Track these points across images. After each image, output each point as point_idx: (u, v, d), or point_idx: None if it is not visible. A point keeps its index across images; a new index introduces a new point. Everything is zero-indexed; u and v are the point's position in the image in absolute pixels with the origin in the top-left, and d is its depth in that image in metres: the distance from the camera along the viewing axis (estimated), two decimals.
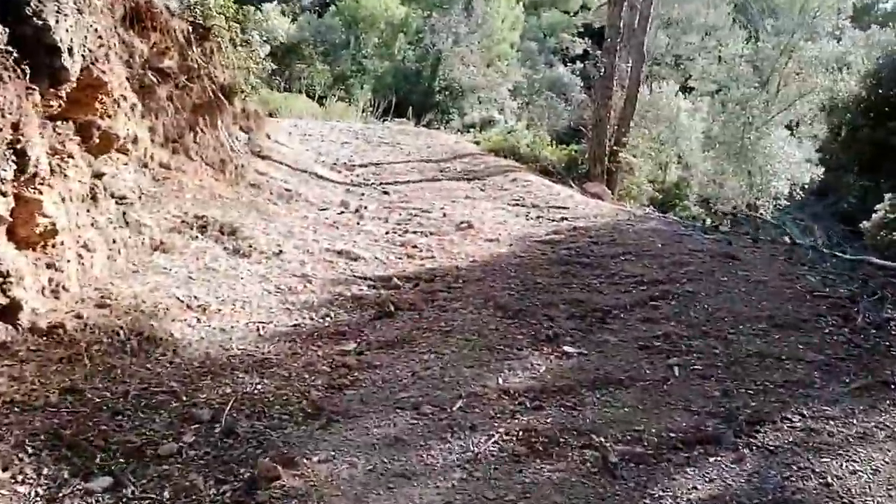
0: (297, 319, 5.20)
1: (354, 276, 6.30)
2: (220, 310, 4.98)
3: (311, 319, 5.25)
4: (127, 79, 6.21)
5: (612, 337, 5.10)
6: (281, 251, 6.38)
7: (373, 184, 10.99)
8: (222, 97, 7.31)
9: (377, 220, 8.52)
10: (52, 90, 4.13)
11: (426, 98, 29.71)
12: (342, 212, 8.59)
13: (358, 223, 8.18)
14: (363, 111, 25.19)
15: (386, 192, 10.39)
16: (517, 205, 10.18)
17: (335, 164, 12.25)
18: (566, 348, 4.85)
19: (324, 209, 8.52)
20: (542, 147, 15.29)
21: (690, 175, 22.21)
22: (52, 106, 4.32)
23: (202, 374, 4.21)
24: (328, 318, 5.31)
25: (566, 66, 40.33)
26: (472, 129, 26.02)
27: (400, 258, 7.03)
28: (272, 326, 5.01)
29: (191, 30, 7.12)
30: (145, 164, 6.15)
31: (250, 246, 6.15)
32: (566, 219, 9.27)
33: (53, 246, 4.34)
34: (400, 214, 8.96)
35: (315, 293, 5.73)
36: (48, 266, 4.30)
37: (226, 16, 7.61)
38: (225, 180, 7.24)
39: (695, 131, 21.67)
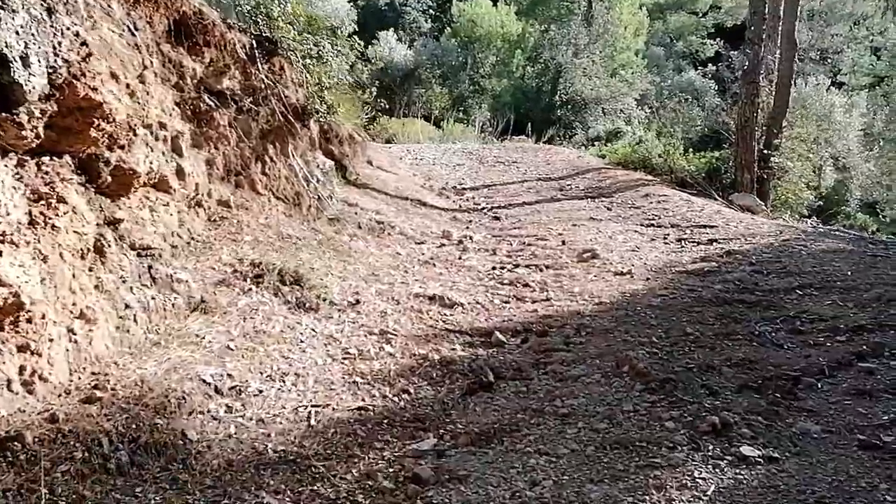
0: (363, 399, 3.85)
1: (447, 329, 4.90)
2: (261, 391, 3.71)
3: (383, 398, 3.89)
4: (177, 103, 5.18)
5: (812, 425, 3.39)
6: (358, 301, 5.09)
7: (483, 208, 9.61)
8: (294, 120, 6.17)
9: (483, 253, 7.11)
10: (4, 114, 3.02)
11: (547, 114, 28.17)
12: (442, 244, 7.25)
13: (460, 258, 6.80)
14: (481, 131, 24.07)
15: (497, 218, 8.98)
16: (652, 225, 8.48)
17: (444, 188, 10.99)
18: (744, 449, 3.19)
19: (421, 242, 7.21)
20: (677, 156, 13.40)
21: (848, 178, 19.39)
22: (21, 136, 3.23)
23: (216, 496, 2.94)
24: (405, 396, 3.93)
25: (697, 70, 37.71)
26: (596, 143, 24.29)
27: (507, 301, 5.57)
28: (329, 411, 3.68)
29: (254, 44, 6.04)
30: (198, 203, 5.06)
31: (319, 297, 4.89)
32: (715, 241, 7.48)
33: (28, 321, 3.22)
34: (511, 244, 7.50)
35: (394, 357, 4.38)
36: (19, 349, 3.18)
37: (293, 25, 6.51)
38: (300, 216, 6.08)
39: (853, 129, 18.88)
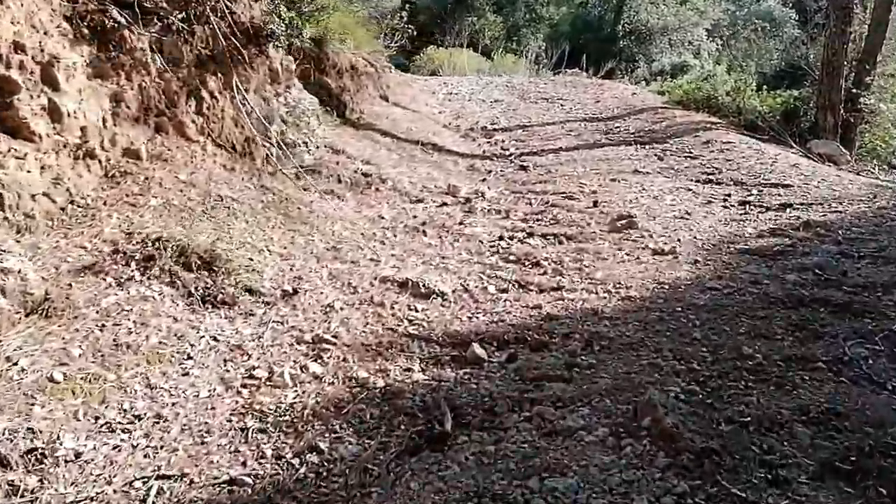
0: (244, 462, 2.56)
1: (411, 334, 3.56)
2: (79, 454, 2.45)
3: (276, 461, 2.59)
4: (68, 18, 3.86)
5: None
6: (297, 290, 3.78)
7: (511, 155, 8.10)
8: (246, 45, 4.77)
9: (493, 216, 5.68)
10: None
11: (608, 45, 25.89)
12: (444, 204, 5.84)
13: (461, 223, 5.39)
14: (534, 63, 22.17)
15: (523, 167, 7.47)
16: (710, 182, 6.86)
17: (471, 129, 9.47)
18: None
19: (418, 201, 5.82)
20: (749, 95, 11.49)
21: None
22: None
23: None
24: (311, 458, 2.61)
25: None
26: (659, 78, 22.11)
27: (504, 290, 4.17)
28: (181, 487, 2.42)
29: None
30: (89, 154, 3.78)
31: (239, 285, 3.60)
32: (790, 205, 5.86)
33: None
34: (531, 204, 6.04)
35: (319, 383, 3.08)
36: None
37: None
38: (248, 169, 4.75)
39: None
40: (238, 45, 4.69)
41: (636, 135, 9.29)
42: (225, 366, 3.10)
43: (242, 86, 4.76)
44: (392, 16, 12.73)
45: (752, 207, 5.90)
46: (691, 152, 8.15)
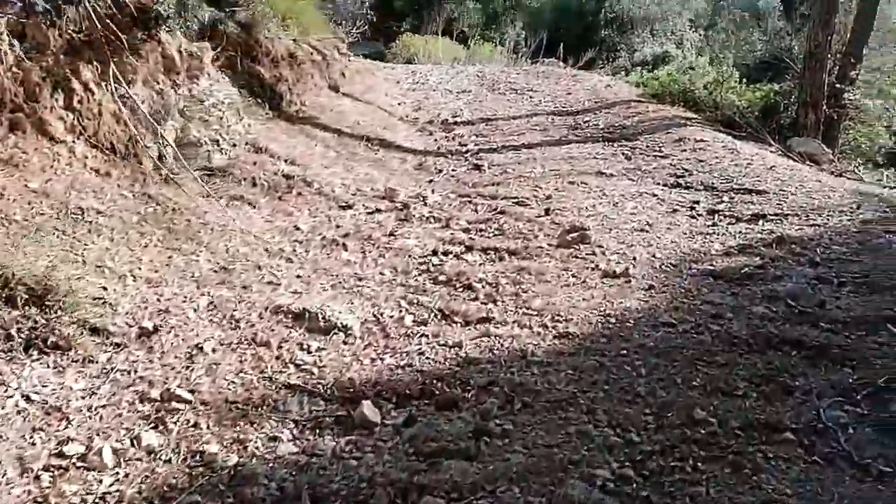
0: None
1: (290, 385, 2.87)
2: None
3: None
4: None
5: None
6: (157, 328, 3.08)
7: (468, 151, 7.38)
8: (131, 29, 4.04)
9: (431, 225, 4.97)
10: None
11: (589, 34, 25.17)
12: (377, 210, 5.13)
13: (391, 234, 4.69)
14: (513, 52, 21.46)
15: (478, 166, 6.76)
16: (679, 186, 6.17)
17: (430, 122, 8.75)
18: None
19: (346, 206, 5.10)
20: (727, 89, 10.82)
21: None
22: None
23: None
24: None
25: None
26: (640, 68, 21.45)
27: (422, 323, 3.49)
28: None
29: None
30: None
31: (81, 324, 2.90)
32: (763, 216, 5.18)
33: None
34: (477, 211, 5.34)
35: (149, 463, 2.39)
36: None
37: None
38: (128, 173, 4.02)
39: None
40: (119, 29, 3.95)
41: (605, 131, 8.59)
42: (31, 437, 2.40)
43: (127, 76, 4.02)
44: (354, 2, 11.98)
45: (721, 217, 5.23)
46: (661, 151, 7.47)
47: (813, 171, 7.16)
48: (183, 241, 3.74)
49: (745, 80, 12.09)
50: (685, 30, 27.25)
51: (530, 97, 10.86)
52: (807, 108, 9.49)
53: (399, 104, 9.53)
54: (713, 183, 6.18)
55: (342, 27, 13.15)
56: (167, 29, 4.32)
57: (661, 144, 7.75)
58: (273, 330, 3.20)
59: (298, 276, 3.81)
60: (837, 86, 9.54)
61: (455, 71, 13.97)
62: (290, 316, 3.33)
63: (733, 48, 17.54)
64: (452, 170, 6.58)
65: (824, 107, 9.50)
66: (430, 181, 6.15)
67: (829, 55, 9.50)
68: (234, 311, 3.33)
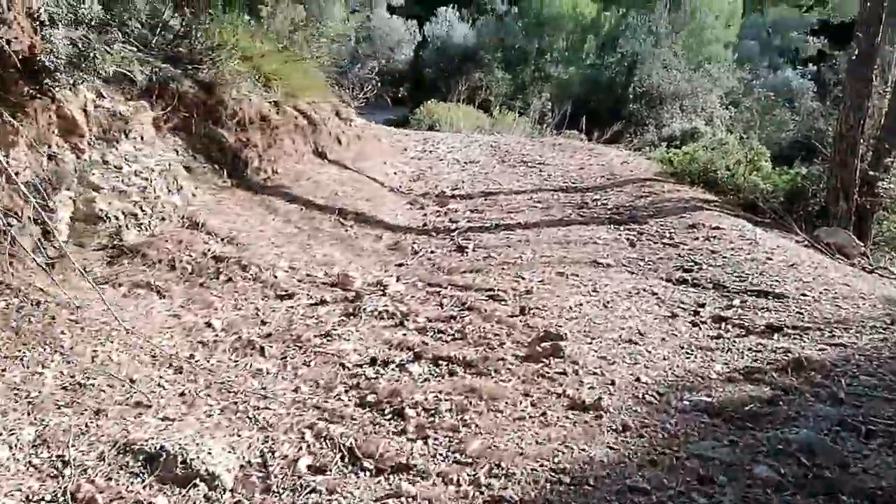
0: None
1: None
2: None
3: None
4: None
5: None
6: None
7: (456, 230, 6.65)
8: (15, 81, 3.39)
9: (382, 322, 4.19)
10: None
11: (618, 107, 24.69)
12: (321, 301, 4.36)
13: (327, 334, 3.92)
14: (537, 122, 21.02)
15: (462, 248, 6.01)
16: (684, 282, 5.32)
17: (426, 194, 8.07)
18: None
19: (286, 296, 4.36)
20: (752, 168, 10.01)
21: None
22: None
23: None
24: None
25: (795, 69, 33.42)
26: (666, 143, 20.80)
27: (320, 470, 2.66)
28: None
29: None
30: None
31: None
32: (779, 328, 4.30)
33: None
34: (442, 305, 4.55)
35: None
36: None
37: None
38: None
39: None
40: (1, 83, 3.32)
41: (613, 211, 7.82)
42: None
43: (5, 139, 3.36)
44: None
45: (728, 328, 4.36)
46: (672, 238, 6.65)
47: (841, 269, 6.24)
48: (32, 347, 2.99)
49: (775, 161, 11.30)
50: (715, 107, 26.67)
51: (540, 171, 10.18)
52: (837, 196, 8.62)
53: (397, 173, 8.90)
54: (724, 280, 5.32)
55: (350, 91, 12.73)
56: (65, 84, 3.67)
57: (671, 230, 6.94)
58: (110, 479, 2.41)
59: (181, 395, 3.04)
60: (871, 173, 8.67)
61: (469, 140, 13.41)
62: (142, 458, 2.54)
63: (761, 128, 16.79)
64: (431, 251, 5.83)
65: (856, 195, 8.62)
66: (401, 265, 5.40)
67: (862, 140, 8.66)
68: (69, 447, 2.54)
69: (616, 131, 21.39)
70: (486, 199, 8.19)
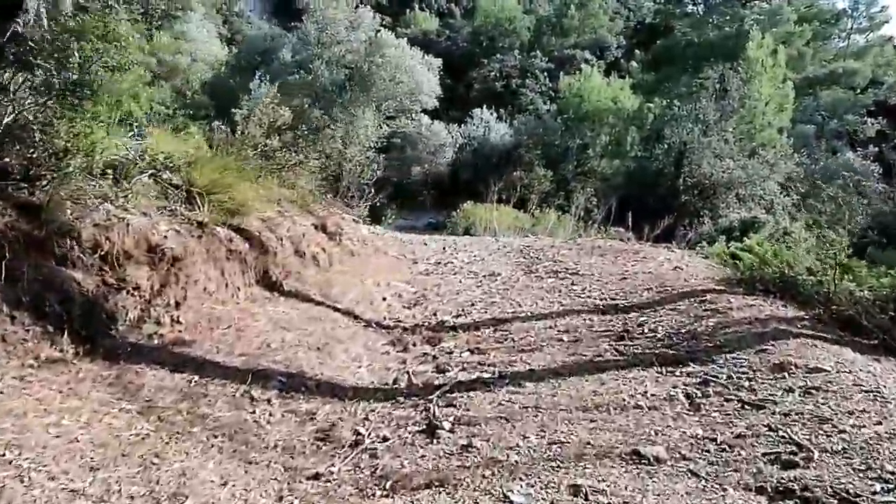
0: None
1: None
2: None
3: None
4: None
5: None
6: None
7: (438, 388, 4.57)
8: None
9: None
10: None
11: (668, 200, 22.61)
12: None
13: None
14: (582, 219, 19.04)
15: (432, 428, 3.88)
16: (784, 491, 3.10)
17: (418, 327, 6.07)
18: None
19: None
20: (843, 271, 7.70)
21: None
22: None
23: None
24: None
25: (855, 151, 30.94)
26: (725, 236, 18.46)
27: None
28: None
29: None
30: None
31: None
32: None
33: None
34: None
35: None
36: None
37: None
38: None
39: None
40: None
41: (663, 343, 5.62)
42: None
43: None
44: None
45: None
46: (752, 391, 4.41)
47: None
48: None
49: (856, 252, 8.94)
50: (775, 194, 24.31)
51: (573, 284, 8.08)
52: None
53: (389, 297, 6.95)
54: (855, 488, 3.06)
55: (357, 199, 11.10)
56: None
57: (750, 375, 4.71)
58: None
59: None
60: None
61: (498, 245, 11.47)
62: None
63: (837, 216, 14.34)
64: (383, 438, 3.74)
65: None
66: (316, 476, 3.31)
67: None
68: None
69: (667, 226, 19.09)
70: (496, 331, 6.12)
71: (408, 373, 4.82)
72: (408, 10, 59.90)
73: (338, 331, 5.19)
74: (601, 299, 7.38)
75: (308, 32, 20.31)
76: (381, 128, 18.75)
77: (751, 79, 26.03)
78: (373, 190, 11.33)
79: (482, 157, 24.95)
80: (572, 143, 24.53)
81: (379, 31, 20.04)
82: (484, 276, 8.62)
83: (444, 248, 10.84)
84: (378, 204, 20.84)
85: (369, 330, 5.62)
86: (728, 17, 35.02)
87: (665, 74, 32.27)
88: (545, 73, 34.70)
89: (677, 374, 4.89)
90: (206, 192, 5.33)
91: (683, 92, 27.88)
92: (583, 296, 7.55)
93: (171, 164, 5.27)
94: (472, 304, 7.06)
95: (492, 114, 26.29)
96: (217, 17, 38.39)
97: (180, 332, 4.12)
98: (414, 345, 5.53)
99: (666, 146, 23.76)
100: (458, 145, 28.18)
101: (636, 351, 5.47)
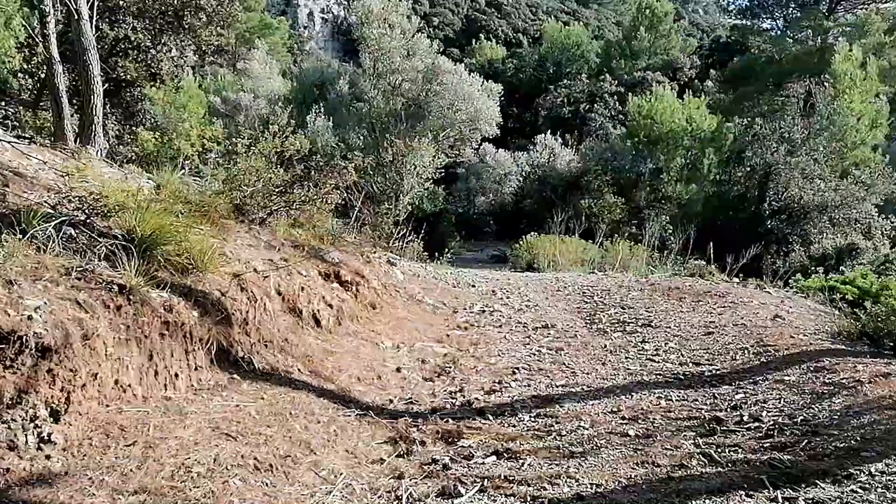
0: None
1: None
2: None
3: None
4: None
5: None
6: None
7: None
8: None
9: None
10: None
11: (752, 226, 20.32)
12: None
13: None
14: (655, 250, 17.09)
15: None
16: None
17: (432, 413, 4.51)
18: None
19: None
20: None
21: None
22: None
23: None
24: None
25: None
26: (822, 266, 16.14)
27: None
28: None
29: None
30: None
31: None
32: None
33: None
34: None
35: None
36: None
37: None
38: None
39: None
40: None
41: (772, 443, 3.87)
42: None
43: None
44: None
45: None
46: None
47: None
48: None
49: None
50: (872, 217, 21.61)
51: (643, 340, 6.38)
52: None
53: (414, 362, 5.47)
54: None
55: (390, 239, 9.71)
56: None
57: None
58: None
59: None
60: None
61: (557, 285, 9.84)
62: None
63: None
64: None
65: None
66: None
67: None
68: None
69: (753, 255, 16.87)
70: (538, 416, 4.50)
71: (399, 500, 3.27)
72: (473, 41, 59.33)
73: (312, 430, 3.72)
74: (681, 364, 5.65)
75: (364, 62, 19.34)
76: (438, 158, 17.40)
77: (839, 94, 23.52)
78: (423, 224, 9.90)
79: (547, 185, 23.29)
80: (644, 167, 22.57)
81: (436, 58, 18.84)
82: (535, 329, 7.01)
83: (493, 291, 9.28)
84: (435, 237, 19.50)
85: (364, 422, 4.12)
86: (810, 31, 32.40)
87: (743, 93, 29.94)
88: (614, 97, 32.88)
89: (795, 499, 3.16)
90: (150, 243, 3.99)
91: (765, 110, 25.56)
92: (657, 358, 5.83)
93: (104, 208, 3.97)
94: (514, 373, 5.46)
95: (556, 139, 24.65)
96: (286, 54, 38.46)
97: (49, 457, 2.75)
98: (422, 443, 3.98)
99: (748, 168, 21.50)
100: (523, 173, 26.67)
101: (734, 455, 3.75)
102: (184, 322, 3.75)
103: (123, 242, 3.91)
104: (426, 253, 17.05)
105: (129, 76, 16.92)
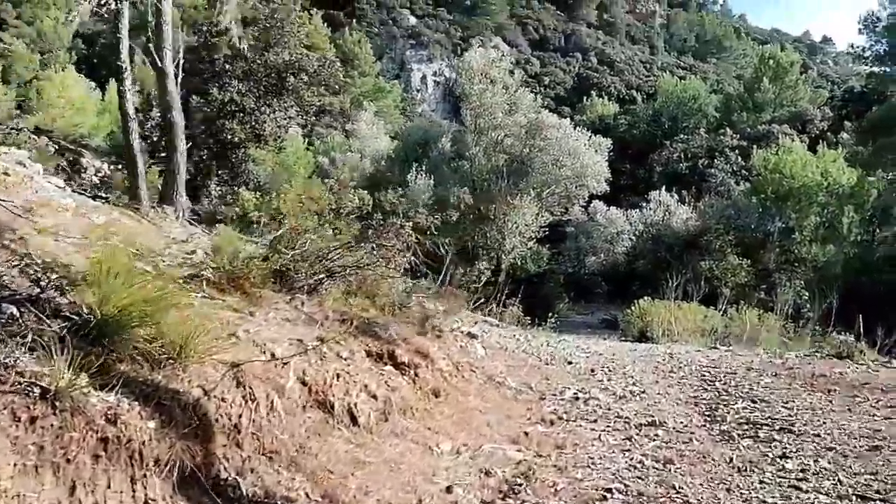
0: None
1: None
2: None
3: None
4: None
5: None
6: None
7: None
8: None
9: None
10: None
11: None
12: None
13: None
14: (789, 319, 14.90)
15: None
16: None
17: None
18: None
19: None
20: None
21: None
22: None
23: None
24: None
25: None
26: None
27: None
28: None
29: None
30: None
31: None
32: None
33: None
34: None
35: None
36: None
37: None
38: None
39: None
40: None
41: None
42: None
43: None
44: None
45: None
46: None
47: None
48: None
49: None
50: None
51: (783, 454, 4.80)
52: None
53: (473, 475, 4.28)
54: None
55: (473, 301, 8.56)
56: None
57: None
58: None
59: None
60: None
61: (671, 364, 8.28)
62: None
63: None
64: None
65: None
66: None
67: None
68: None
69: None
70: None
71: None
72: (585, 98, 58.20)
73: None
74: (839, 497, 4.04)
75: (465, 119, 18.67)
76: (541, 215, 16.20)
77: None
78: (524, 285, 8.70)
79: (662, 245, 21.39)
80: (772, 226, 20.25)
81: (539, 113, 17.85)
82: (638, 428, 5.56)
83: (592, 370, 7.87)
84: (539, 299, 18.11)
85: None
86: None
87: (884, 144, 26.80)
88: (736, 151, 30.53)
89: None
90: (116, 325, 3.06)
91: None
92: (804, 486, 4.25)
93: (62, 280, 3.10)
94: (604, 498, 4.07)
95: (672, 196, 22.81)
96: (398, 116, 38.91)
97: None
98: None
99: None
100: (636, 232, 24.90)
101: None
102: (130, 438, 2.74)
103: (78, 325, 2.98)
104: (528, 317, 15.68)
105: (235, 138, 17.07)
